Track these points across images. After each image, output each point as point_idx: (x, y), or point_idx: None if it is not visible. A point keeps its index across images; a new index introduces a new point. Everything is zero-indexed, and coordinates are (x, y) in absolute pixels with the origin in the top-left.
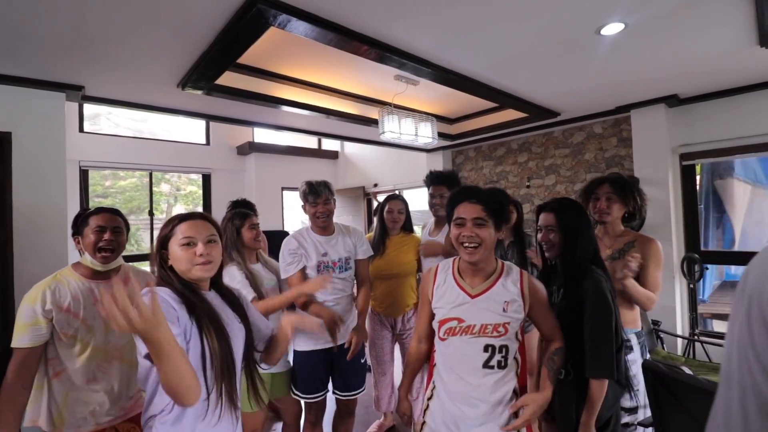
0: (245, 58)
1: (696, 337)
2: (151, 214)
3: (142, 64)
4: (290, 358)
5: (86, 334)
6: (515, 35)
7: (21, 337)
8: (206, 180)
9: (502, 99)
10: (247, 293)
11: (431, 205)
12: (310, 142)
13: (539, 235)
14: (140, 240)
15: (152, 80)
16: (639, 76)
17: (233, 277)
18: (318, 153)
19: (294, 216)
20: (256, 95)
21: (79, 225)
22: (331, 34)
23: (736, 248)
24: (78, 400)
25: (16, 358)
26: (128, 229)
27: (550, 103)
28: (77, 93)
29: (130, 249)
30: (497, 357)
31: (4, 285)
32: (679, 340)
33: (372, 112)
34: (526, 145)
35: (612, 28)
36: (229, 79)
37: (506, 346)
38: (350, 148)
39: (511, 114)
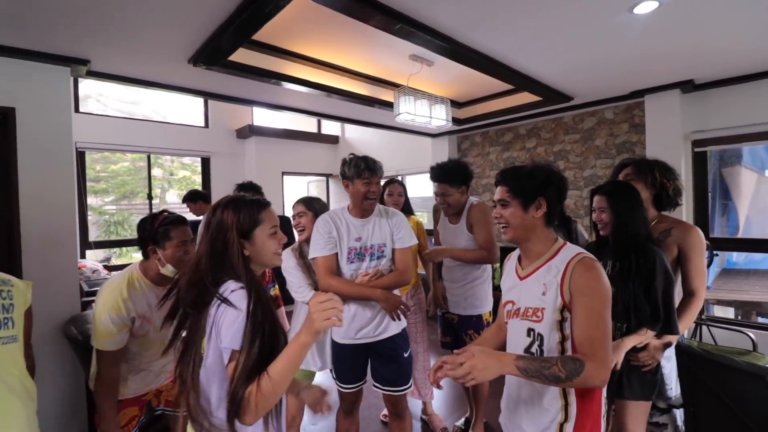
0: (257, 34)
1: (704, 322)
2: (150, 197)
3: (154, 35)
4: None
5: (153, 333)
6: (545, 13)
7: (111, 342)
8: (205, 163)
9: (519, 81)
10: (298, 280)
11: (439, 203)
12: (309, 125)
13: (594, 215)
14: (134, 225)
15: (162, 54)
16: (659, 60)
17: (287, 262)
18: (318, 137)
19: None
20: (268, 73)
21: (158, 237)
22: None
23: (740, 235)
24: (135, 378)
25: (110, 359)
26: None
27: (565, 86)
28: (83, 68)
29: (124, 234)
30: (535, 345)
31: (10, 267)
32: None
33: (382, 93)
34: (535, 131)
35: (646, 6)
36: (238, 55)
37: (541, 336)
38: (351, 132)
39: (521, 98)
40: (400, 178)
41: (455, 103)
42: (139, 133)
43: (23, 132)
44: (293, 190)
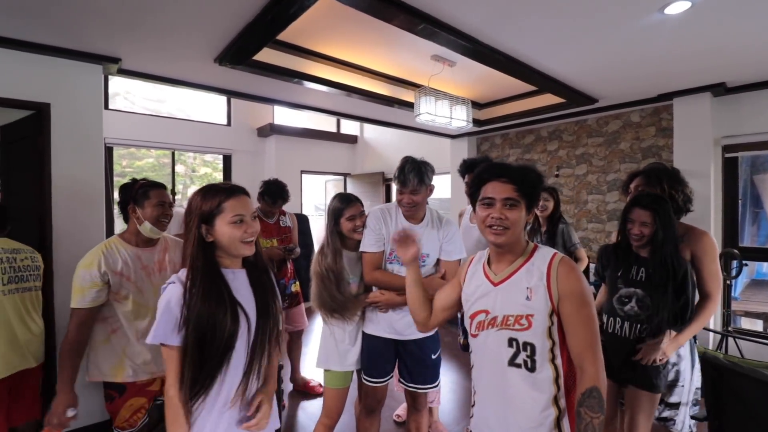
0: (281, 33)
1: (730, 333)
2: (173, 192)
3: (182, 36)
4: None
5: (137, 295)
6: (571, 11)
7: (81, 299)
8: (227, 161)
9: (543, 82)
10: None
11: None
12: (329, 125)
13: (632, 227)
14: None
15: (189, 53)
16: (690, 62)
17: None
18: (337, 137)
19: (312, 200)
20: (291, 72)
21: (137, 197)
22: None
23: None
24: (132, 353)
25: (76, 318)
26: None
27: (590, 88)
28: (114, 66)
29: None
30: (522, 356)
31: (42, 255)
32: (711, 335)
33: (402, 94)
34: (557, 133)
35: (678, 6)
36: (262, 54)
37: (531, 345)
38: (370, 132)
39: (544, 100)
40: None
41: (476, 104)
42: (164, 130)
43: (57, 127)
44: (311, 189)
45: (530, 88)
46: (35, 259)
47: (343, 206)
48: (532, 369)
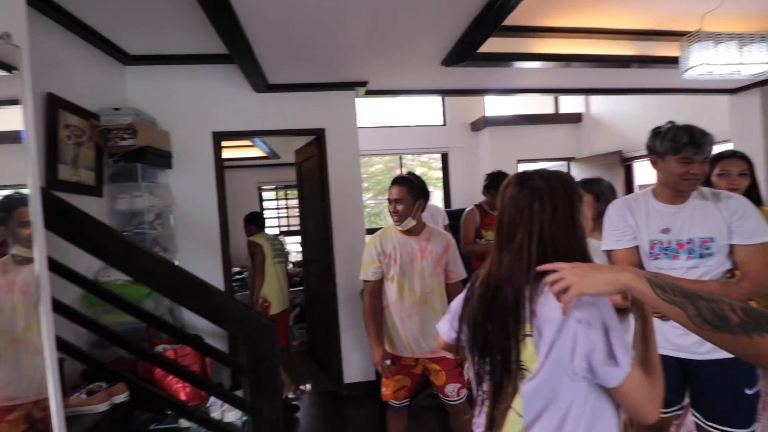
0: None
1: None
2: None
3: (417, 49)
4: None
5: (402, 277)
6: None
7: (365, 272)
8: (444, 159)
9: None
10: None
11: None
12: (545, 107)
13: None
14: (386, 217)
15: (420, 62)
16: None
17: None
18: (556, 118)
19: None
20: (509, 56)
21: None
22: None
23: None
24: (398, 330)
25: (366, 287)
26: (418, 195)
27: None
28: (362, 89)
29: (381, 223)
30: None
31: (327, 244)
32: None
33: (654, 49)
34: None
35: None
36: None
37: None
38: (598, 107)
39: None
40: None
41: None
42: (389, 138)
43: (330, 146)
44: None
45: None
46: (284, 243)
47: None
48: None
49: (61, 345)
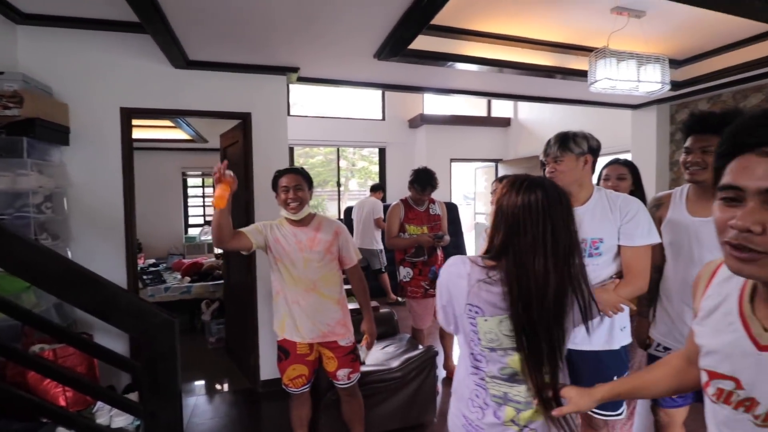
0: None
1: None
2: (338, 185)
3: (348, 38)
4: None
5: (291, 266)
6: None
7: (248, 229)
8: (382, 153)
9: None
10: None
11: (686, 164)
12: (478, 110)
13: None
14: (326, 209)
15: (354, 54)
16: None
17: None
18: (487, 121)
19: (460, 188)
20: (442, 55)
21: (274, 185)
22: None
23: None
24: (289, 316)
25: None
26: (310, 184)
27: None
28: (294, 75)
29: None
30: None
31: None
32: None
33: (569, 62)
34: None
35: None
36: (416, 42)
37: None
38: (525, 113)
39: None
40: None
41: (672, 62)
42: (331, 130)
43: (255, 132)
44: (460, 178)
45: (759, 28)
46: None
47: None
48: None
49: None
